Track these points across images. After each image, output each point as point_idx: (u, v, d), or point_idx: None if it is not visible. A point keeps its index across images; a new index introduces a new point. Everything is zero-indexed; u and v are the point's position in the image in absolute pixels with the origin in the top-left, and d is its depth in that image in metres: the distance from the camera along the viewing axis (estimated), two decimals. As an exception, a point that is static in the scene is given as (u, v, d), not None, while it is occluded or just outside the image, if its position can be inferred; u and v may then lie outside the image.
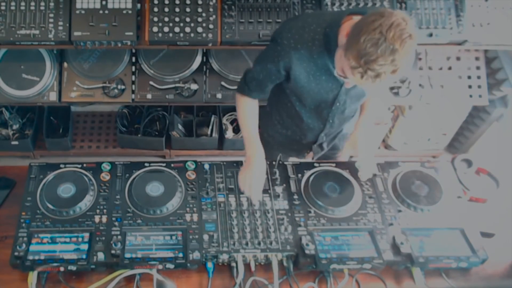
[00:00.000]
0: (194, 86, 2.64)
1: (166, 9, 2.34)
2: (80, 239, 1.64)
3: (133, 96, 2.64)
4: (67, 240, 1.64)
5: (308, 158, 2.12)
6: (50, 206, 1.70)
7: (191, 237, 1.65)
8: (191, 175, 1.83)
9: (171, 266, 1.60)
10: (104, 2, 2.33)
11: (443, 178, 1.87)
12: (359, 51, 1.34)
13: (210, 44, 2.38)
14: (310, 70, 1.64)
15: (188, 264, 1.60)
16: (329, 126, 1.88)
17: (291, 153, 2.14)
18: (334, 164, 1.89)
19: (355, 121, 1.96)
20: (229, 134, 3.00)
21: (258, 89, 1.78)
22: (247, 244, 1.65)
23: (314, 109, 1.81)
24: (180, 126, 3.04)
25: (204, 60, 2.69)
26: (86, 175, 1.80)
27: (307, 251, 1.60)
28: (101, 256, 1.59)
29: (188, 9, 2.35)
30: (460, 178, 1.90)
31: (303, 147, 2.06)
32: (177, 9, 2.35)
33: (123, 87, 2.62)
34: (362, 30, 1.34)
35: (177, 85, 2.65)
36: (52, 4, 2.32)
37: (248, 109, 1.82)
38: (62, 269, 1.58)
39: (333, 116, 1.83)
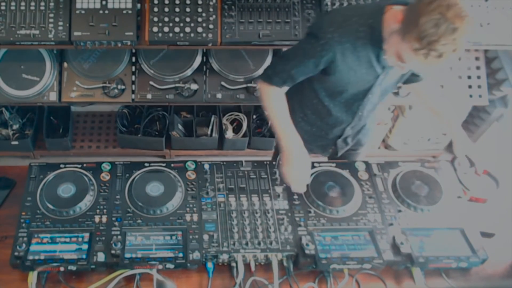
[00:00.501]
0: (194, 86, 2.64)
1: (166, 9, 2.34)
2: (80, 239, 1.64)
3: (133, 96, 2.64)
4: (67, 240, 1.64)
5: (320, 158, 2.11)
6: (50, 206, 1.70)
7: (191, 237, 1.65)
8: (191, 175, 1.84)
9: (171, 266, 1.60)
10: (104, 2, 2.33)
11: (443, 178, 1.87)
12: (420, 33, 1.34)
13: (210, 44, 2.38)
14: (352, 64, 1.62)
15: (188, 264, 1.60)
16: (357, 118, 1.87)
17: (316, 150, 2.11)
18: (334, 164, 1.89)
19: (376, 115, 1.99)
20: (229, 134, 3.00)
21: (288, 81, 1.74)
22: (247, 244, 1.65)
23: (344, 102, 1.80)
24: (180, 126, 3.04)
25: (204, 60, 2.69)
26: (86, 175, 1.80)
27: (307, 251, 1.60)
28: (101, 256, 1.59)
29: (188, 9, 2.35)
30: (460, 178, 1.90)
31: (328, 143, 2.04)
32: (177, 9, 2.35)
33: (123, 87, 2.62)
34: (420, 12, 1.34)
35: (177, 85, 2.65)
36: (52, 4, 2.32)
37: (277, 99, 1.76)
38: (62, 269, 1.58)
39: (363, 108, 1.82)
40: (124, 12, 2.33)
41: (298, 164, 1.69)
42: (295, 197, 1.78)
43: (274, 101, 1.77)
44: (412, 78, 1.84)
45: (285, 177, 1.72)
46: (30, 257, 1.58)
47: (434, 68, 1.44)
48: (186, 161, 1.87)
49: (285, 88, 1.79)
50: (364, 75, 1.67)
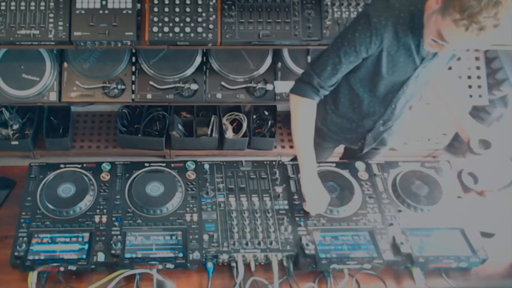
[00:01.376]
0: (194, 86, 2.64)
1: (166, 9, 2.35)
2: (80, 239, 1.64)
3: (133, 96, 2.64)
4: (67, 240, 1.64)
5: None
6: (50, 206, 1.70)
7: (191, 237, 1.65)
8: (191, 175, 1.83)
9: (171, 266, 1.60)
10: (104, 2, 2.33)
11: (443, 178, 1.87)
12: (462, 5, 1.34)
13: (210, 44, 2.38)
14: (392, 51, 1.62)
15: (188, 264, 1.60)
16: (390, 111, 1.85)
17: (344, 142, 2.10)
18: (334, 164, 1.89)
19: (405, 117, 1.99)
20: (229, 134, 3.00)
21: (325, 84, 1.68)
22: (247, 244, 1.65)
23: (378, 94, 1.78)
24: (180, 126, 3.04)
25: (204, 60, 2.69)
26: (86, 175, 1.80)
27: (307, 251, 1.60)
28: (101, 256, 1.59)
29: (188, 9, 2.35)
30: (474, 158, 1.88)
31: (357, 137, 2.02)
32: (177, 9, 2.35)
33: (123, 87, 2.62)
34: None
35: (177, 85, 2.65)
36: (52, 4, 2.32)
37: (307, 115, 1.70)
38: (62, 269, 1.58)
39: (397, 100, 1.80)
40: (124, 12, 2.33)
41: (314, 197, 1.69)
42: (295, 197, 1.78)
43: (303, 117, 1.70)
44: None
45: (309, 210, 1.72)
46: (30, 257, 1.58)
47: (474, 44, 1.43)
48: (186, 161, 1.87)
49: (318, 99, 1.72)
50: (402, 64, 1.65)
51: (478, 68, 2.81)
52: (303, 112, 1.71)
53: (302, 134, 1.71)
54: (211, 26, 2.35)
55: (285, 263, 1.65)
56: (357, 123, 1.94)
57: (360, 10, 2.40)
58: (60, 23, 2.31)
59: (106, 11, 2.32)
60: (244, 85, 2.67)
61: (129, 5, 2.33)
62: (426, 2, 1.53)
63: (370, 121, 1.91)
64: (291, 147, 3.16)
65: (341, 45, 1.62)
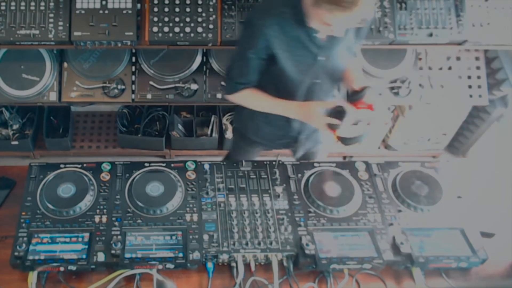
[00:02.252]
0: (194, 86, 2.64)
1: (166, 9, 2.35)
2: (80, 239, 1.64)
3: (133, 96, 2.64)
4: (67, 240, 1.64)
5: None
6: (50, 206, 1.70)
7: (191, 237, 1.65)
8: (191, 175, 1.83)
9: (171, 266, 1.60)
10: (104, 2, 2.33)
11: (443, 178, 1.87)
12: None
13: (210, 44, 2.38)
14: (286, 47, 1.66)
15: (188, 264, 1.60)
16: None
17: (280, 147, 2.12)
18: (334, 164, 1.89)
19: None
20: (229, 134, 3.00)
21: (246, 83, 1.78)
22: (247, 244, 1.65)
23: (294, 93, 1.80)
24: (180, 126, 3.04)
25: (204, 60, 2.69)
26: (86, 175, 1.80)
27: (307, 251, 1.60)
28: (101, 256, 1.59)
29: (188, 9, 2.36)
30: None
31: (290, 140, 2.03)
32: (177, 9, 2.35)
33: (123, 87, 2.62)
34: None
35: (177, 85, 2.65)
36: (52, 4, 2.32)
37: (257, 95, 1.80)
38: (62, 269, 1.58)
39: (316, 97, 1.81)
40: (124, 12, 2.33)
41: (313, 108, 1.69)
42: (295, 197, 1.78)
43: (255, 99, 1.82)
44: None
45: (323, 125, 1.67)
46: (30, 257, 1.58)
47: (357, 19, 1.47)
48: (186, 161, 1.87)
49: (251, 87, 1.81)
50: (302, 58, 1.69)
51: (478, 68, 2.81)
52: (248, 97, 1.82)
53: (266, 103, 1.80)
54: (211, 26, 2.35)
55: (285, 263, 1.65)
56: (287, 128, 1.95)
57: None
58: (60, 23, 2.31)
59: (106, 11, 2.32)
60: (244, 85, 2.67)
61: (129, 5, 2.34)
62: None
63: (297, 123, 1.92)
64: (291, 147, 3.16)
65: (242, 52, 1.71)
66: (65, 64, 2.63)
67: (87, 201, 1.73)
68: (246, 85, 1.79)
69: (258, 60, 1.70)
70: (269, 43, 1.64)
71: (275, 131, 1.99)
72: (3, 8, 2.31)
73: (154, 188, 1.77)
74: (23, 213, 1.69)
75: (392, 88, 2.71)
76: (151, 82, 2.64)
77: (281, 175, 1.84)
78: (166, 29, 2.33)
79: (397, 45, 2.48)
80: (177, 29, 2.33)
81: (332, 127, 1.64)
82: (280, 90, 1.80)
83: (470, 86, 2.79)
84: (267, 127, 1.99)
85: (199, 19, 2.35)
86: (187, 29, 2.33)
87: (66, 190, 1.76)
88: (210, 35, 2.35)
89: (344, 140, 1.69)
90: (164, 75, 2.65)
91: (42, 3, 2.32)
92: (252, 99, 1.83)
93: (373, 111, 1.66)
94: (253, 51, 1.68)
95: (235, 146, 2.33)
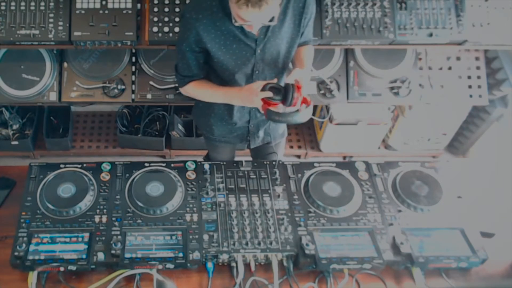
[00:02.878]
0: (194, 86, 2.64)
1: (166, 9, 2.34)
2: (80, 239, 1.64)
3: (133, 96, 2.64)
4: (67, 240, 1.64)
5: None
6: (50, 206, 1.70)
7: (191, 237, 1.65)
8: (191, 175, 1.83)
9: (171, 266, 1.60)
10: (104, 2, 2.33)
11: (443, 178, 1.87)
12: None
13: (210, 44, 2.38)
14: (219, 41, 1.67)
15: (188, 264, 1.60)
16: None
17: (234, 141, 2.11)
18: (334, 164, 1.89)
19: None
20: (229, 134, 3.00)
21: (191, 70, 1.80)
22: (247, 244, 1.65)
23: (236, 86, 1.80)
24: (180, 126, 3.04)
25: (204, 60, 2.69)
26: (86, 175, 1.80)
27: (307, 251, 1.60)
28: (101, 256, 1.59)
29: (188, 9, 2.35)
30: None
31: (242, 132, 2.03)
32: (177, 9, 2.35)
33: (123, 87, 2.62)
34: None
35: (177, 85, 2.64)
36: (52, 4, 2.32)
37: (201, 86, 1.83)
38: (62, 269, 1.58)
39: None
40: (124, 12, 2.33)
41: (251, 87, 1.67)
42: (295, 197, 1.78)
43: (199, 90, 1.84)
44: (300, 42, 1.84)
45: (248, 101, 1.71)
46: (30, 257, 1.58)
47: (267, 16, 1.50)
48: (186, 161, 1.87)
49: (197, 79, 1.84)
50: (237, 50, 1.70)
51: (478, 68, 2.80)
52: (200, 86, 1.84)
53: (210, 93, 1.82)
54: (211, 26, 2.35)
55: (285, 263, 1.65)
56: (235, 121, 1.96)
57: (359, 10, 2.40)
58: (60, 23, 2.31)
59: (106, 11, 2.32)
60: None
61: (129, 5, 2.33)
62: None
63: (244, 113, 1.93)
64: (291, 147, 3.16)
65: (178, 45, 1.75)
66: (65, 64, 2.63)
67: (87, 201, 1.73)
68: (192, 78, 1.82)
69: (193, 53, 1.73)
70: (200, 37, 1.66)
71: (224, 125, 2.00)
72: (3, 8, 2.31)
73: (154, 188, 1.77)
74: (23, 213, 1.69)
75: (392, 88, 2.71)
76: (151, 82, 2.64)
77: (281, 175, 1.85)
78: (166, 29, 2.32)
79: (397, 45, 2.48)
80: (177, 29, 2.33)
81: (267, 101, 1.64)
82: (223, 82, 1.82)
83: (470, 86, 2.79)
84: (216, 122, 2.00)
85: (199, 19, 2.35)
86: (187, 29, 2.33)
87: (66, 190, 1.76)
88: (210, 35, 2.34)
89: (275, 115, 1.64)
90: (164, 75, 2.65)
91: (42, 3, 2.32)
92: (198, 91, 1.85)
93: (309, 104, 1.66)
94: (186, 45, 1.70)
95: (207, 147, 2.33)
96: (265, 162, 1.89)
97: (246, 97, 1.70)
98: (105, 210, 1.72)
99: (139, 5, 2.36)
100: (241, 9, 1.46)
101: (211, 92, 1.82)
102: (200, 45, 1.69)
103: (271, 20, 1.57)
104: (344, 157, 3.24)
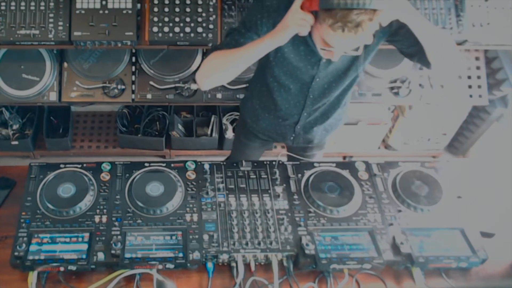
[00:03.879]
0: (194, 86, 2.64)
1: (166, 9, 2.35)
2: (80, 239, 1.64)
3: (133, 96, 2.64)
4: (67, 240, 1.64)
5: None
6: (50, 206, 1.70)
7: (191, 237, 1.65)
8: (191, 175, 1.83)
9: (171, 266, 1.60)
10: (104, 2, 2.33)
11: (443, 178, 1.87)
12: (332, 8, 1.35)
13: (210, 44, 2.38)
14: (291, 48, 1.63)
15: (188, 264, 1.60)
16: (310, 102, 1.85)
17: (277, 138, 2.11)
18: (334, 164, 1.89)
19: (341, 113, 2.00)
20: (229, 134, 3.00)
21: (241, 41, 1.63)
22: (247, 244, 1.65)
23: (293, 85, 1.79)
24: (180, 126, 3.04)
25: (204, 60, 2.69)
26: (86, 175, 1.80)
27: (307, 251, 1.60)
28: (101, 256, 1.59)
29: (188, 9, 2.36)
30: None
31: (286, 131, 2.03)
32: (177, 9, 2.35)
33: (123, 87, 2.62)
34: None
35: (177, 85, 2.65)
36: (52, 4, 2.32)
37: (223, 53, 1.62)
38: (62, 269, 1.58)
39: (314, 91, 1.80)
40: (124, 12, 2.33)
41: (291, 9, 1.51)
42: (295, 197, 1.78)
43: (226, 51, 1.61)
44: (407, 52, 1.71)
45: (293, 25, 1.48)
46: (30, 257, 1.58)
47: (357, 42, 1.42)
48: (186, 161, 1.87)
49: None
50: (303, 53, 1.66)
51: (478, 68, 2.81)
52: (216, 57, 1.63)
53: (231, 52, 1.59)
54: (211, 26, 2.35)
55: (285, 263, 1.65)
56: (283, 116, 1.95)
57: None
58: (60, 23, 2.31)
59: (106, 11, 2.32)
60: (244, 85, 2.67)
61: (129, 5, 2.34)
62: None
63: (294, 114, 1.92)
64: (291, 147, 3.16)
65: (241, 24, 1.64)
66: (65, 64, 2.63)
67: (87, 201, 1.73)
68: (235, 46, 1.61)
69: (255, 36, 1.61)
70: (273, 27, 1.53)
71: (270, 118, 1.99)
72: (3, 8, 2.31)
73: (154, 188, 1.77)
74: (23, 213, 1.69)
75: (392, 88, 2.71)
76: (151, 82, 2.65)
77: (281, 175, 1.84)
78: (166, 29, 2.33)
79: (397, 45, 2.48)
80: (177, 29, 2.33)
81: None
82: (271, 84, 1.79)
83: (470, 86, 2.79)
84: (262, 112, 1.98)
85: (199, 19, 2.35)
86: (187, 29, 2.34)
87: (66, 190, 1.76)
88: (210, 35, 2.35)
89: None
90: (164, 75, 2.65)
91: (42, 3, 2.32)
92: (223, 52, 1.62)
93: None
94: (254, 26, 1.59)
95: (236, 144, 2.32)
96: (265, 162, 1.89)
97: (284, 22, 1.47)
98: (105, 210, 1.72)
99: (139, 5, 2.36)
100: (335, 32, 1.37)
101: (237, 49, 1.58)
102: (265, 34, 1.57)
103: (356, 49, 1.48)
104: (344, 157, 3.24)
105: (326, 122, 2.00)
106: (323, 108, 1.92)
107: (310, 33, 1.54)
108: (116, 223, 1.68)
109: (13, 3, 2.31)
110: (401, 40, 1.64)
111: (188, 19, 2.35)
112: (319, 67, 1.71)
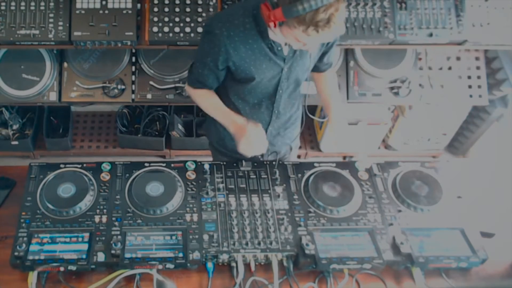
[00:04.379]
0: (194, 86, 2.64)
1: (166, 9, 2.35)
2: (80, 239, 1.64)
3: (133, 96, 2.64)
4: (67, 240, 1.64)
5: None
6: (50, 206, 1.70)
7: (191, 237, 1.65)
8: (191, 175, 1.83)
9: (171, 266, 1.60)
10: (104, 2, 2.33)
11: (443, 178, 1.87)
12: (299, 15, 1.36)
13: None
14: (249, 60, 1.62)
15: (188, 264, 1.60)
16: (275, 117, 1.85)
17: (246, 157, 2.08)
18: (334, 164, 1.89)
19: (297, 117, 1.97)
20: (229, 134, 3.00)
21: (205, 84, 1.75)
22: (247, 244, 1.65)
23: (257, 103, 1.79)
24: (180, 126, 3.04)
25: (204, 60, 2.69)
26: (86, 175, 1.80)
27: (307, 251, 1.60)
28: (101, 256, 1.59)
29: (188, 9, 2.36)
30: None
31: None
32: (177, 9, 2.35)
33: (123, 87, 2.62)
34: None
35: (177, 85, 2.65)
36: (52, 4, 2.32)
37: (207, 96, 1.79)
38: (62, 269, 1.58)
39: (278, 105, 1.81)
40: (124, 12, 2.33)
41: (255, 140, 1.66)
42: (295, 197, 1.78)
43: (206, 100, 1.80)
44: (320, 66, 1.86)
45: (245, 152, 1.69)
46: (30, 257, 1.58)
47: (332, 35, 1.43)
48: (186, 161, 1.87)
49: (210, 89, 1.79)
50: (266, 70, 1.66)
51: (478, 68, 2.81)
52: (201, 95, 1.80)
53: (213, 106, 1.79)
54: (211, 26, 2.35)
55: (285, 263, 1.65)
56: None
57: (360, 10, 2.40)
58: (60, 23, 2.31)
59: (106, 11, 2.32)
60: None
61: (129, 5, 2.34)
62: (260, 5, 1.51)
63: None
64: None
65: (200, 56, 1.68)
66: (65, 64, 2.63)
67: (87, 201, 1.73)
68: (204, 87, 1.77)
69: (216, 69, 1.67)
70: (229, 55, 1.60)
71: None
72: (3, 8, 2.31)
73: (154, 188, 1.77)
74: (23, 213, 1.69)
75: (392, 88, 2.71)
76: (151, 82, 2.65)
77: (281, 175, 1.84)
78: (166, 29, 2.33)
79: (397, 45, 2.48)
80: (177, 29, 2.33)
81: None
82: (240, 95, 1.79)
83: (470, 86, 2.79)
84: (228, 134, 1.86)
85: (199, 19, 2.35)
86: (187, 29, 2.33)
87: (66, 190, 1.75)
88: (210, 35, 2.34)
89: None
90: (164, 75, 2.65)
91: (42, 3, 2.32)
92: (203, 99, 1.81)
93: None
94: (210, 60, 1.64)
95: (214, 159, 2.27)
96: (265, 162, 1.89)
97: (239, 137, 1.67)
98: (105, 210, 1.72)
99: (139, 5, 2.36)
100: (310, 35, 1.39)
101: (214, 107, 1.78)
102: (226, 63, 1.64)
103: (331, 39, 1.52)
104: (344, 157, 3.24)
105: (287, 131, 1.98)
106: (285, 119, 1.92)
107: (271, 44, 1.58)
108: (116, 223, 1.68)
109: (13, 3, 2.31)
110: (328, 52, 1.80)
111: (188, 19, 2.35)
112: (281, 76, 1.70)
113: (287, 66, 1.67)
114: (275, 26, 1.45)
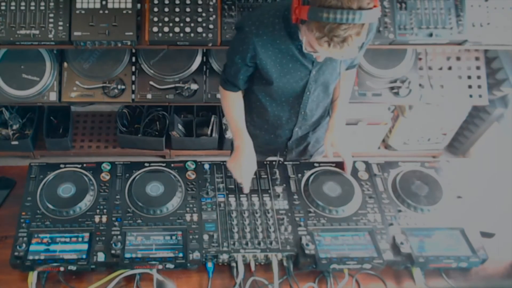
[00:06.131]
0: (194, 86, 2.64)
1: (166, 9, 2.35)
2: (80, 239, 1.64)
3: (133, 96, 2.64)
4: (67, 240, 1.64)
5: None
6: (50, 206, 1.70)
7: (191, 237, 1.65)
8: (191, 175, 1.83)
9: (171, 266, 1.60)
10: (104, 2, 2.33)
11: (443, 178, 1.87)
12: (320, 22, 1.34)
13: (210, 44, 2.38)
14: (276, 58, 1.63)
15: (188, 264, 1.60)
16: (302, 118, 1.86)
17: (269, 153, 2.10)
18: (334, 164, 1.89)
19: (327, 121, 1.99)
20: (229, 134, 3.00)
21: (235, 83, 1.77)
22: (247, 244, 1.65)
23: (284, 102, 1.80)
24: (180, 126, 3.04)
25: (204, 60, 2.69)
26: (86, 175, 1.80)
27: (307, 251, 1.60)
28: (101, 256, 1.59)
29: (188, 9, 2.36)
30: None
31: (279, 146, 2.02)
32: (177, 9, 2.35)
33: (123, 87, 2.62)
34: (317, 1, 1.34)
35: (177, 85, 2.65)
36: (52, 4, 2.32)
37: (231, 102, 1.83)
38: (62, 269, 1.58)
39: (305, 106, 1.81)
40: (124, 12, 2.33)
41: (244, 162, 1.73)
42: (295, 197, 1.78)
43: (228, 104, 1.83)
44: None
45: (231, 172, 1.77)
46: (30, 257, 1.58)
47: (342, 55, 1.41)
48: (186, 161, 1.87)
49: (240, 91, 1.83)
50: (292, 70, 1.66)
51: (478, 68, 2.81)
52: (228, 98, 1.83)
53: (232, 115, 1.83)
54: (211, 26, 2.35)
55: (285, 263, 1.65)
56: (275, 133, 1.95)
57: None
58: (60, 23, 2.31)
59: (106, 11, 2.32)
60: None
61: (129, 5, 2.34)
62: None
63: (286, 130, 1.92)
64: (291, 147, 3.16)
65: (229, 55, 1.72)
66: (65, 64, 2.63)
67: (87, 201, 1.73)
68: (234, 88, 1.80)
69: (245, 67, 1.69)
70: (256, 53, 1.61)
71: (261, 135, 1.98)
72: (3, 8, 2.31)
73: (154, 188, 1.77)
74: (23, 213, 1.69)
75: (392, 88, 2.71)
76: (151, 82, 2.65)
77: (281, 175, 1.84)
78: (166, 29, 2.33)
79: (397, 45, 2.48)
80: (177, 29, 2.33)
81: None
82: (267, 96, 1.80)
83: (470, 86, 2.79)
84: (253, 130, 1.94)
85: (199, 19, 2.35)
86: (187, 29, 2.33)
87: (66, 190, 1.76)
88: (210, 35, 2.35)
89: None
90: (164, 75, 2.65)
91: (42, 3, 2.32)
92: (228, 103, 1.83)
93: None
94: (239, 57, 1.66)
95: None
96: (265, 162, 1.89)
97: (234, 160, 1.75)
98: (105, 210, 1.72)
99: (139, 5, 2.36)
100: (321, 46, 1.38)
101: (231, 114, 1.83)
102: (254, 60, 1.64)
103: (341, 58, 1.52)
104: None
105: (316, 133, 2.01)
106: (314, 121, 1.93)
107: (300, 46, 1.56)
108: (116, 223, 1.68)
109: (13, 3, 2.31)
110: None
111: (188, 19, 2.35)
112: (309, 78, 1.70)
113: (315, 69, 1.67)
114: (297, 21, 1.44)
